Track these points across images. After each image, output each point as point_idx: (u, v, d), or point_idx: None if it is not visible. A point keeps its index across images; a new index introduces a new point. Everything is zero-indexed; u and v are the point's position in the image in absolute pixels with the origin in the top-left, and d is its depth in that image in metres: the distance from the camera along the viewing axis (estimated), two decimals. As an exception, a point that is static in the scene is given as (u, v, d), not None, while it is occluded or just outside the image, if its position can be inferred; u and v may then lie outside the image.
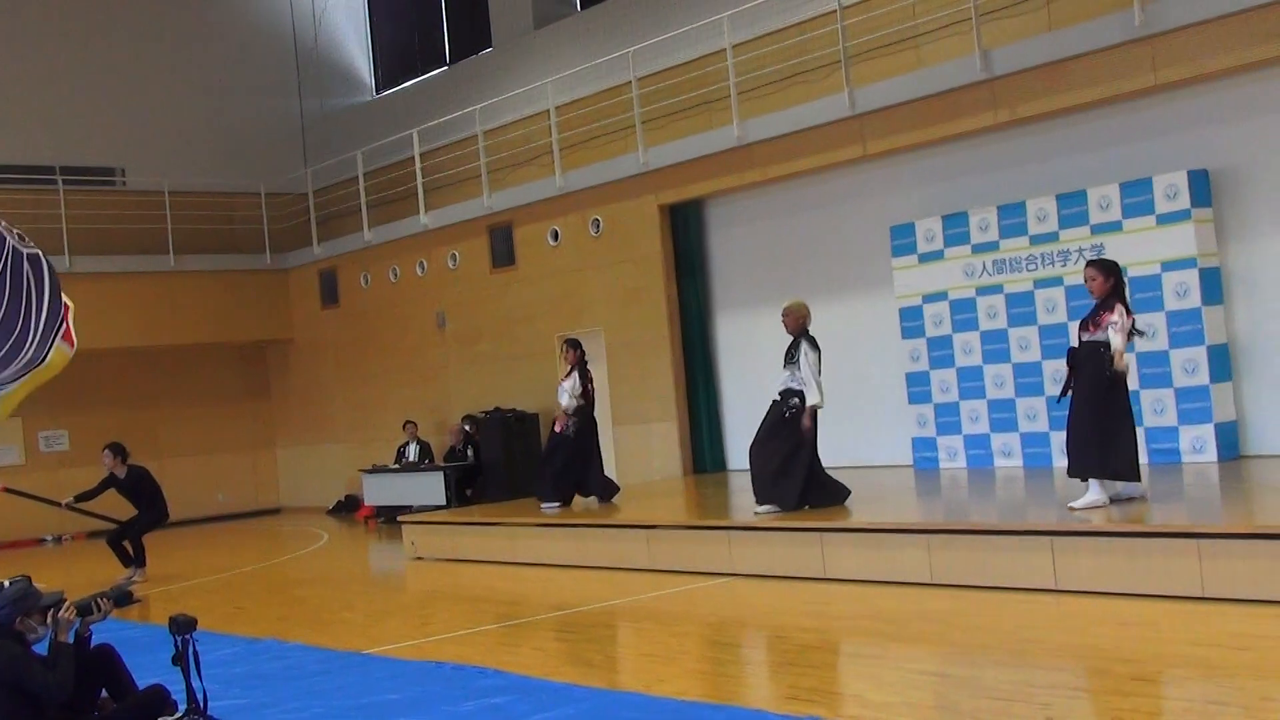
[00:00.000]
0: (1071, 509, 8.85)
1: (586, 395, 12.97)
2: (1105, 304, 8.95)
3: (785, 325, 10.70)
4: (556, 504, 12.92)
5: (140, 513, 13.68)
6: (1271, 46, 10.81)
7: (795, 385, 10.52)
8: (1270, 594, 7.30)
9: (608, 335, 16.71)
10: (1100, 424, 8.85)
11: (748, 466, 10.88)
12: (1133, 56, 11.60)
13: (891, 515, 10.17)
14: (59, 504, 14.02)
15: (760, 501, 10.62)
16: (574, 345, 13.20)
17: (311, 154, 23.42)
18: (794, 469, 10.46)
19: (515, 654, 8.09)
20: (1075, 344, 9.13)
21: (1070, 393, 9.09)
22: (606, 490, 13.02)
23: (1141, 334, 9.39)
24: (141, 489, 13.73)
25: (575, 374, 12.98)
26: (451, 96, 20.81)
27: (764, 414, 10.83)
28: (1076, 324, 9.45)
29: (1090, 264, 9.19)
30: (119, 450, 13.72)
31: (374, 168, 20.46)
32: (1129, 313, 8.90)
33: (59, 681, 5.89)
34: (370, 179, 20.35)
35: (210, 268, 21.45)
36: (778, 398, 10.67)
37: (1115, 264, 9.22)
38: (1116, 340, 8.74)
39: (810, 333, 10.63)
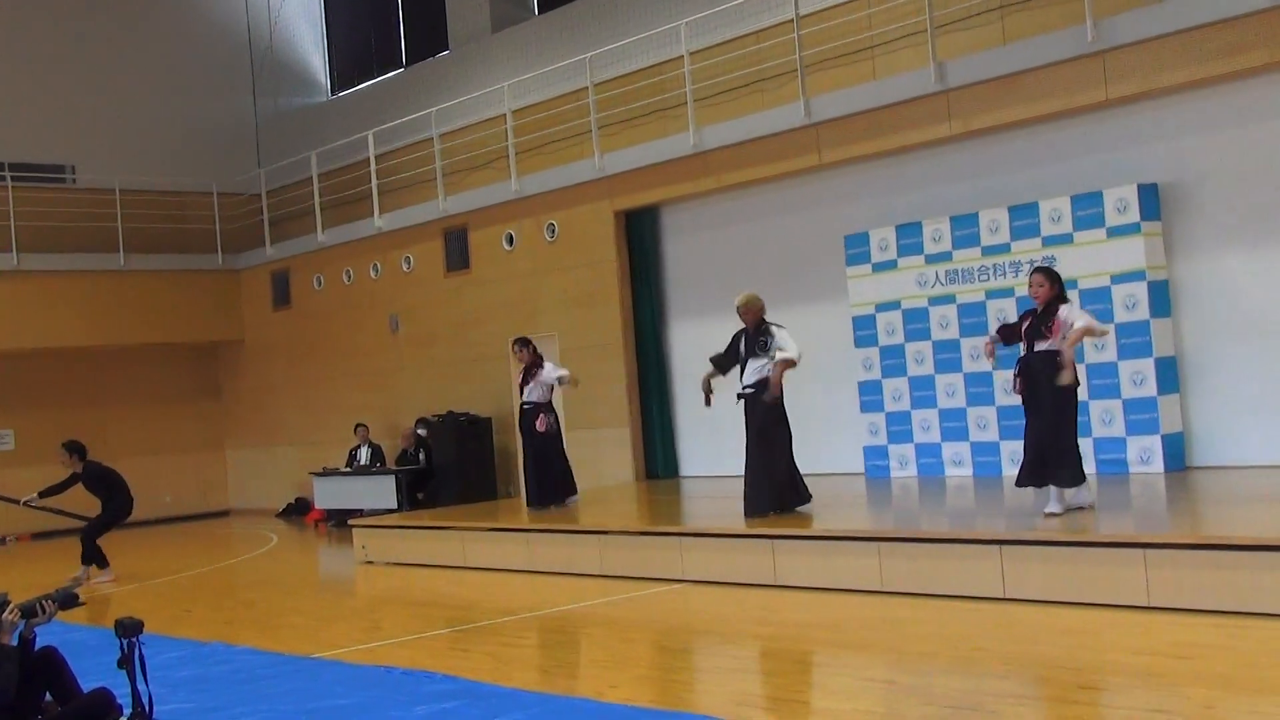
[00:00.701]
0: (1053, 514, 8.95)
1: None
2: (1051, 309, 9.07)
3: (746, 319, 10.69)
4: (575, 496, 13.08)
5: (100, 510, 13.62)
6: (1220, 64, 10.97)
7: (768, 374, 10.50)
8: (1214, 604, 7.39)
9: (562, 340, 16.70)
10: (1072, 433, 9.05)
11: (747, 474, 10.76)
12: (1085, 71, 11.74)
13: (842, 523, 10.21)
14: (18, 501, 13.90)
15: (786, 508, 10.58)
16: (525, 343, 13.16)
17: (265, 154, 23.27)
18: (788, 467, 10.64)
19: (465, 659, 8.06)
20: (1025, 351, 9.18)
21: (1025, 401, 9.14)
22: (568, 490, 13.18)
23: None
24: (98, 486, 13.65)
25: (547, 363, 12.98)
26: (407, 99, 20.75)
27: (735, 418, 10.76)
28: (1004, 329, 9.50)
29: (1039, 270, 9.29)
30: (73, 448, 13.63)
31: (328, 169, 20.36)
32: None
33: (2, 685, 5.82)
34: (324, 180, 20.24)
35: (161, 267, 21.26)
36: (749, 390, 10.62)
37: (1058, 274, 9.43)
38: (1069, 349, 8.91)
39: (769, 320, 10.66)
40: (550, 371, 13.00)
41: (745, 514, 10.54)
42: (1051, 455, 9.00)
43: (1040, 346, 9.07)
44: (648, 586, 10.19)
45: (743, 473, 10.76)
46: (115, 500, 13.68)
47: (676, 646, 8.39)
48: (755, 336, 10.57)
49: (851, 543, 9.26)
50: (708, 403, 10.80)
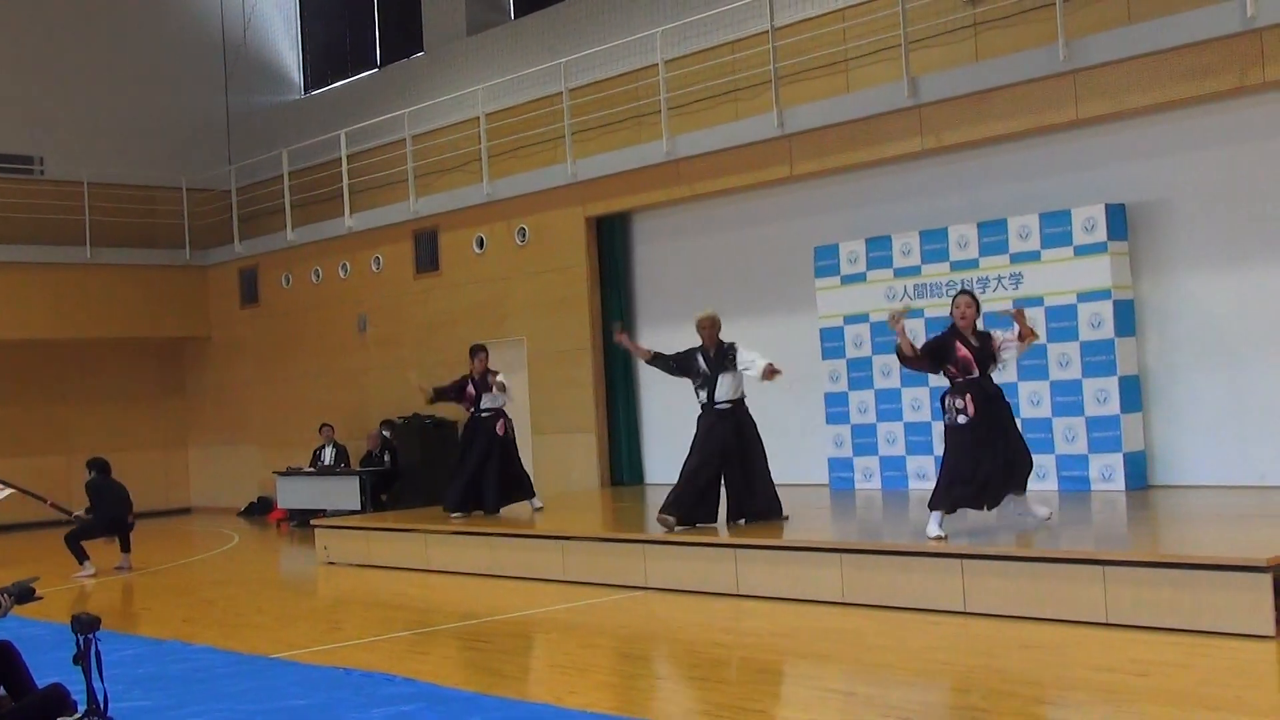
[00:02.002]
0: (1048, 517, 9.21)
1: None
2: (989, 334, 9.21)
3: (706, 336, 10.75)
4: (537, 499, 13.12)
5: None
6: (1189, 86, 11.07)
7: (743, 390, 10.74)
8: (1171, 621, 7.45)
9: (530, 344, 16.68)
10: None
11: (730, 486, 10.82)
12: (1056, 90, 11.82)
13: (806, 534, 10.24)
14: (45, 500, 14.04)
15: (769, 515, 10.70)
16: (476, 352, 13.12)
17: (236, 151, 23.16)
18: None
19: (425, 662, 8.03)
20: (975, 374, 9.09)
21: (979, 425, 9.08)
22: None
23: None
24: (89, 495, 14.20)
25: (500, 378, 12.97)
26: (381, 99, 20.69)
27: (704, 434, 10.77)
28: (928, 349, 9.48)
29: (968, 293, 9.27)
30: (88, 463, 14.40)
31: (299, 167, 20.27)
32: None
33: (-45, 678, 5.75)
34: (295, 178, 20.16)
35: (128, 261, 21.12)
36: (725, 406, 10.68)
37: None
38: (1015, 342, 9.13)
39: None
40: (506, 385, 12.97)
41: (747, 514, 10.66)
42: (1026, 462, 9.15)
43: (992, 371, 9.15)
44: (610, 593, 10.18)
45: (693, 480, 10.70)
46: (95, 513, 14.04)
47: (637, 654, 8.39)
48: (723, 354, 10.67)
49: (814, 553, 9.28)
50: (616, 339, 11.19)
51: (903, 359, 9.33)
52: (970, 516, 9.98)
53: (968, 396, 9.04)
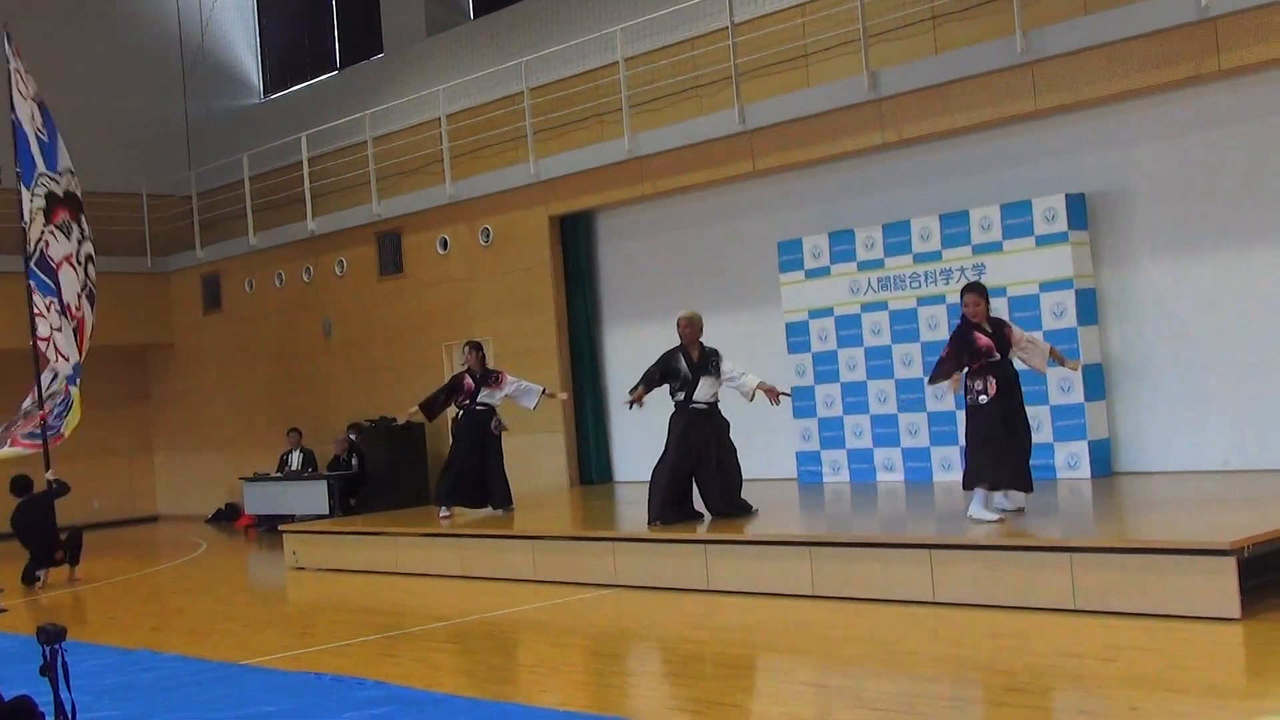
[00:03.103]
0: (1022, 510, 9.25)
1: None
2: (1002, 322, 9.32)
3: (687, 335, 10.78)
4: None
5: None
6: (1146, 76, 11.15)
7: (716, 396, 10.83)
8: (1138, 606, 7.50)
9: (496, 345, 16.64)
10: None
11: (702, 485, 10.86)
12: (1014, 82, 11.88)
13: (775, 528, 10.26)
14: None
15: (740, 512, 10.77)
16: (478, 347, 13.05)
17: (196, 156, 22.99)
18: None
19: (397, 665, 8.00)
20: (997, 358, 9.14)
21: (1001, 403, 9.13)
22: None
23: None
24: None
25: (510, 378, 12.93)
26: (341, 101, 20.59)
27: (680, 434, 10.79)
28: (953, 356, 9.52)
29: (975, 288, 9.32)
30: (11, 486, 14.24)
31: (260, 171, 20.16)
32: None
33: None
34: (256, 183, 20.05)
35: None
36: (702, 407, 10.73)
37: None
38: (1040, 351, 9.35)
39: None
40: (529, 389, 12.86)
41: (719, 513, 10.70)
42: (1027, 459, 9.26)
43: (1011, 356, 9.25)
44: (581, 591, 10.18)
45: (664, 482, 10.74)
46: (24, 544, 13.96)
47: (609, 651, 8.38)
48: (705, 359, 10.75)
49: (784, 547, 9.30)
50: (632, 406, 10.93)
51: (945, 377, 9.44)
52: (938, 507, 10.02)
53: (989, 378, 9.12)
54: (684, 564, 9.84)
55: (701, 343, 10.82)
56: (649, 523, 10.61)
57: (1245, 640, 6.84)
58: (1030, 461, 9.29)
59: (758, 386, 10.70)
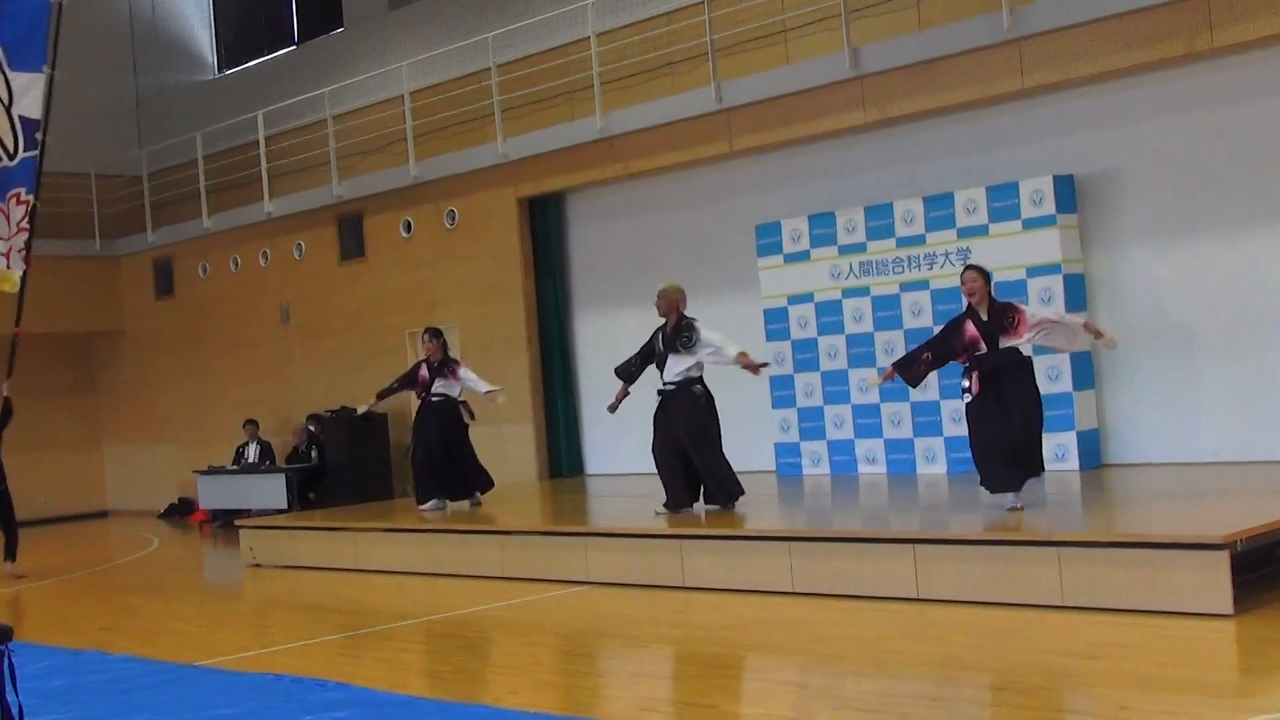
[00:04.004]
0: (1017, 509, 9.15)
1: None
2: (1009, 306, 9.21)
3: (659, 309, 10.74)
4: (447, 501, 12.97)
5: None
6: (1137, 54, 11.20)
7: (696, 372, 10.60)
8: (1128, 602, 7.55)
9: (462, 332, 16.61)
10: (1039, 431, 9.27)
11: (660, 468, 10.82)
12: (1001, 59, 11.91)
13: (753, 522, 10.28)
14: None
15: (727, 501, 10.69)
16: (437, 334, 13.00)
17: (147, 135, 22.83)
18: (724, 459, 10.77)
19: (359, 666, 7.99)
20: (983, 350, 9.15)
21: (985, 400, 9.15)
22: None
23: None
24: None
25: (464, 370, 12.90)
26: (299, 78, 20.47)
27: (655, 422, 10.79)
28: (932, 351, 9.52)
29: (973, 268, 9.36)
30: None
31: (215, 151, 20.04)
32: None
33: None
34: (210, 163, 19.93)
35: (34, 252, 20.58)
36: (670, 387, 10.66)
37: (988, 272, 9.52)
38: (1075, 320, 9.31)
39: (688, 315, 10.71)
40: (476, 383, 12.84)
41: (689, 504, 10.66)
42: (1034, 451, 9.22)
43: (1006, 343, 9.14)
44: (551, 589, 10.18)
45: (658, 469, 10.76)
46: None
47: (581, 650, 8.39)
48: (677, 333, 10.60)
49: (762, 542, 9.32)
50: (613, 409, 10.91)
51: (917, 380, 9.44)
52: (921, 500, 10.05)
53: (974, 375, 9.16)
54: (659, 560, 9.85)
55: (683, 314, 10.69)
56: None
57: (1238, 637, 6.90)
58: (1030, 449, 9.21)
59: (736, 358, 10.51)
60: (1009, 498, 9.21)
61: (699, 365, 10.63)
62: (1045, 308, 9.31)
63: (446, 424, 12.80)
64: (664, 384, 10.69)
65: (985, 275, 9.27)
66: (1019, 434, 9.12)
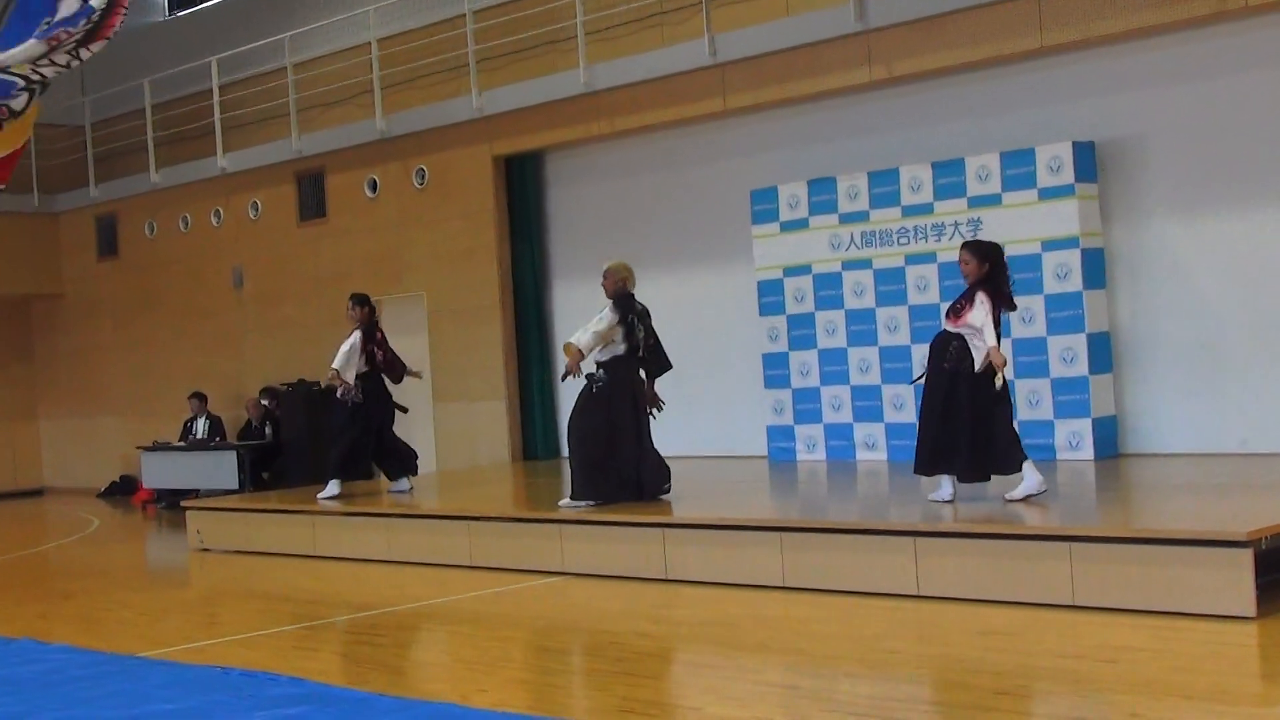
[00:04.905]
0: (1011, 500, 9.12)
1: (374, 363, 12.73)
2: (969, 294, 9.17)
3: (604, 289, 10.79)
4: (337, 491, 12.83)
5: None
6: (1164, 12, 11.20)
7: (602, 356, 10.66)
8: (1144, 602, 7.59)
9: (431, 301, 16.60)
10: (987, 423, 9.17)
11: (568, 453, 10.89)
12: (1019, 15, 11.91)
13: (742, 511, 10.31)
14: None
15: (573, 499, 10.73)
16: (362, 302, 12.88)
17: (90, 82, 22.68)
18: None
19: (314, 659, 8.01)
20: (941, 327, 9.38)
21: (926, 383, 9.32)
22: (406, 463, 12.95)
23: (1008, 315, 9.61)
24: None
25: (358, 333, 12.61)
26: (257, 22, 20.36)
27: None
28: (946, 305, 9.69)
29: (965, 245, 9.41)
30: None
31: (164, 100, 19.96)
32: (999, 302, 9.11)
33: None
34: (159, 113, 19.86)
35: (-35, 208, 20.71)
36: (593, 370, 10.74)
37: (996, 247, 9.37)
38: (985, 343, 8.93)
39: (630, 296, 10.68)
40: (344, 347, 12.62)
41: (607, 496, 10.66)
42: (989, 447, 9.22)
43: (949, 327, 9.23)
44: (523, 579, 10.20)
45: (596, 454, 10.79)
46: None
47: (554, 646, 8.42)
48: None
49: (752, 533, 9.34)
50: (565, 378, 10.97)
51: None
52: (924, 490, 10.08)
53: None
54: (640, 550, 9.87)
55: (619, 295, 10.67)
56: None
57: (1260, 640, 6.94)
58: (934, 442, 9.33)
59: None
60: (941, 487, 9.35)
61: (608, 350, 10.64)
62: (986, 318, 9.04)
63: (389, 401, 12.77)
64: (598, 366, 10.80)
65: (978, 253, 9.22)
66: (931, 424, 9.27)
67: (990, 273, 9.17)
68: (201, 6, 22.44)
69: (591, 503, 10.56)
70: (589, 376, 10.69)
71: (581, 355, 10.53)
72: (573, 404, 10.93)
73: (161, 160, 19.77)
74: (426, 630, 9.02)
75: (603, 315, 10.60)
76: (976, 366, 8.97)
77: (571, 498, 10.69)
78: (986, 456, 9.14)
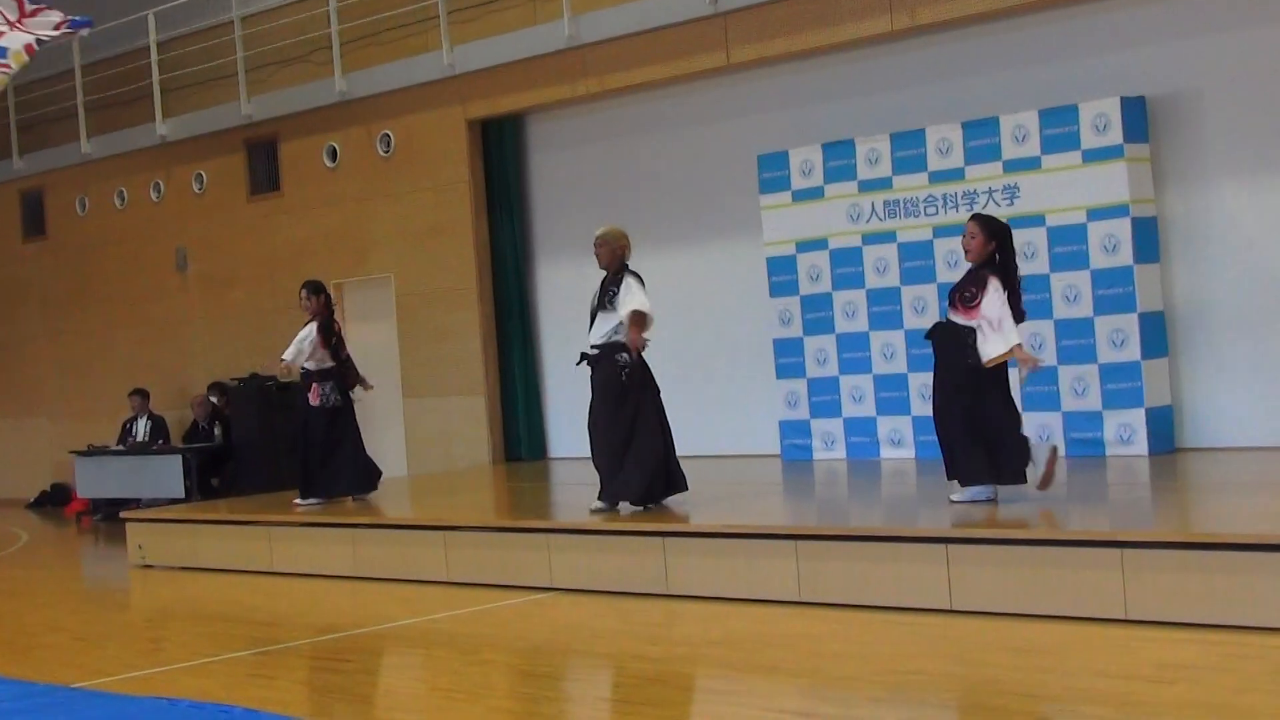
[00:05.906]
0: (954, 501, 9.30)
1: (339, 358, 12.72)
2: (976, 277, 9.21)
3: (599, 257, 10.72)
4: (316, 500, 12.81)
5: None
6: (1224, -52, 11.22)
7: (621, 336, 10.45)
8: (1204, 616, 7.60)
9: (399, 283, 16.61)
10: (980, 425, 9.23)
11: (590, 450, 10.83)
12: (1059, -47, 11.93)
13: (752, 517, 10.33)
14: None
15: (610, 502, 10.64)
16: (316, 290, 12.84)
17: (12, 38, 22.73)
18: (644, 454, 10.50)
19: (271, 688, 8.02)
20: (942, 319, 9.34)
21: (939, 384, 9.40)
22: (365, 480, 12.93)
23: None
24: None
25: (314, 324, 12.61)
26: (200, -31, 20.41)
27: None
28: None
29: (975, 217, 9.42)
30: None
31: (96, 59, 19.94)
32: (1011, 290, 9.17)
33: None
34: (90, 74, 19.85)
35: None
36: (593, 351, 10.64)
37: (1007, 227, 9.44)
38: (991, 349, 9.01)
39: (631, 268, 10.65)
40: (301, 335, 12.69)
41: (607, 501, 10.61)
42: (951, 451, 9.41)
43: (953, 317, 9.28)
44: (506, 596, 10.22)
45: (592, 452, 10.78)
46: None
47: (542, 671, 8.44)
48: (608, 286, 10.58)
49: (763, 541, 9.36)
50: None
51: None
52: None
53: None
54: (638, 562, 9.89)
55: (626, 265, 10.62)
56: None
57: (1334, 657, 6.98)
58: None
59: (628, 322, 10.37)
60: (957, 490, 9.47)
61: (617, 330, 10.49)
62: (1004, 309, 9.00)
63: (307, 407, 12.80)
64: (590, 347, 10.67)
65: (986, 228, 9.28)
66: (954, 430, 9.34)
67: (1000, 256, 9.21)
68: (137, -47, 22.47)
69: (643, 506, 10.47)
70: (615, 360, 10.46)
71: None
72: (583, 396, 10.82)
73: (93, 128, 19.78)
74: (398, 655, 9.04)
75: (629, 284, 10.43)
76: (984, 361, 9.02)
77: (611, 503, 10.54)
78: (1016, 454, 9.19)
